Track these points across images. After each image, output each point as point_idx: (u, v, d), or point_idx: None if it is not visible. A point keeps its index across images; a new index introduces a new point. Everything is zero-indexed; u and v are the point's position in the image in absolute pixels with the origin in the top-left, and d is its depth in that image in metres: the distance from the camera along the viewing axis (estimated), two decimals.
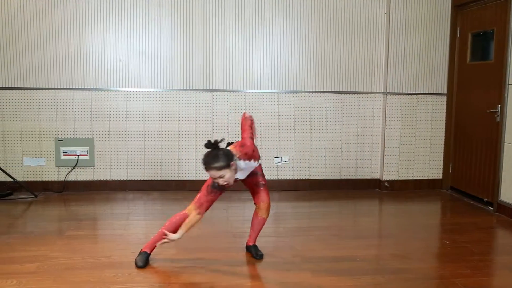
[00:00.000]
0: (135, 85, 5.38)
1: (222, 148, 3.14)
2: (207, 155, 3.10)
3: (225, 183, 3.12)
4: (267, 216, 3.53)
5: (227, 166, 3.06)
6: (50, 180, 5.40)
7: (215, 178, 3.10)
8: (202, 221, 4.37)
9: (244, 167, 3.22)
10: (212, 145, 3.10)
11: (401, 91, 5.65)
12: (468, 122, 5.47)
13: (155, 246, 3.36)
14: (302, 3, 5.47)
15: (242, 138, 3.37)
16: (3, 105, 5.25)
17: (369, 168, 5.80)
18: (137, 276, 3.21)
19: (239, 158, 3.15)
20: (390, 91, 5.63)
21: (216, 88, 5.46)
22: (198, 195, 3.28)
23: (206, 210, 3.28)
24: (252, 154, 3.24)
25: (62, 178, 5.41)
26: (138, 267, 3.31)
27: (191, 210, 3.26)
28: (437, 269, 3.55)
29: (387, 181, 5.75)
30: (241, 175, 3.28)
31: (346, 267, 3.45)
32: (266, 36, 5.48)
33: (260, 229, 3.60)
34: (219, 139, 3.14)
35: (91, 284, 3.08)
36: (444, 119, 5.78)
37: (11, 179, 5.15)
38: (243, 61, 5.47)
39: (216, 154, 3.07)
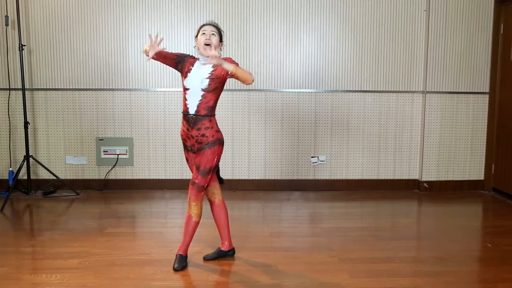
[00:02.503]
0: (173, 85, 5.45)
1: None
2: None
3: (207, 43, 3.24)
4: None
5: (220, 34, 3.36)
6: (91, 178, 5.55)
7: (204, 33, 3.27)
8: (239, 220, 4.43)
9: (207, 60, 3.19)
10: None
11: (441, 90, 5.53)
12: (511, 121, 5.31)
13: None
14: (340, 1, 5.42)
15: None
16: (48, 105, 5.42)
17: (408, 169, 5.71)
18: (175, 274, 3.27)
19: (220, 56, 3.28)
20: (430, 90, 5.52)
21: (253, 88, 5.48)
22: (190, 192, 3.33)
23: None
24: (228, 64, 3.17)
25: (102, 177, 5.54)
26: (176, 270, 3.34)
27: (193, 202, 3.32)
28: (478, 273, 3.46)
29: (426, 181, 5.64)
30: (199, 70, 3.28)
31: (384, 268, 3.41)
32: (303, 35, 5.46)
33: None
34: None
35: (131, 281, 3.15)
36: (486, 118, 5.63)
37: (55, 177, 5.31)
38: (281, 60, 5.48)
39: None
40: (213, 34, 3.29)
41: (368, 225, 4.47)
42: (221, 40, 3.36)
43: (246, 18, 5.39)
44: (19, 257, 3.56)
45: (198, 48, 3.32)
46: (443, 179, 5.67)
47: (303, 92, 5.53)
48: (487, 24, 5.49)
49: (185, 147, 3.42)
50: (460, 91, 5.55)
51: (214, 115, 3.34)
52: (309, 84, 5.52)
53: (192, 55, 3.43)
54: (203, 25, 3.35)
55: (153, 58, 3.22)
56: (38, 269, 3.35)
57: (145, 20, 5.36)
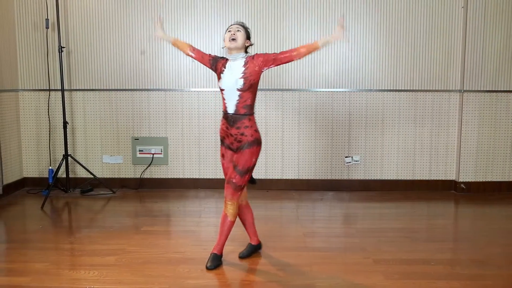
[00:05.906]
0: (207, 85, 5.50)
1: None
2: None
3: (232, 38, 3.28)
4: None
5: (246, 31, 3.36)
6: (127, 177, 5.65)
7: (230, 30, 3.32)
8: (272, 220, 4.44)
9: (237, 58, 3.33)
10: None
11: (479, 89, 5.40)
12: None
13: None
14: None
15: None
16: (86, 105, 5.56)
17: (444, 169, 5.59)
18: (209, 272, 3.30)
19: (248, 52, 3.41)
20: (467, 89, 5.40)
21: (287, 88, 5.48)
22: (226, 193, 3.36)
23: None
24: (259, 61, 3.29)
25: (138, 176, 5.64)
26: (208, 268, 3.36)
27: (230, 205, 3.35)
28: None
29: (463, 182, 5.52)
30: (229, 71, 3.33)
31: (419, 270, 3.35)
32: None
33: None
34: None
35: (166, 279, 3.20)
36: None
37: (92, 176, 5.44)
38: (314, 59, 5.45)
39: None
40: (238, 30, 3.32)
41: (403, 226, 4.40)
42: (248, 38, 3.38)
43: (279, 17, 5.39)
44: (59, 253, 3.66)
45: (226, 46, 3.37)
46: (481, 180, 5.53)
47: (337, 91, 5.49)
48: None
49: (223, 143, 3.46)
50: (499, 89, 5.41)
51: (253, 113, 3.36)
52: (343, 84, 5.48)
53: (222, 56, 3.47)
54: (230, 25, 3.40)
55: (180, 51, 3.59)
56: (76, 265, 3.45)
57: (179, 22, 5.42)
